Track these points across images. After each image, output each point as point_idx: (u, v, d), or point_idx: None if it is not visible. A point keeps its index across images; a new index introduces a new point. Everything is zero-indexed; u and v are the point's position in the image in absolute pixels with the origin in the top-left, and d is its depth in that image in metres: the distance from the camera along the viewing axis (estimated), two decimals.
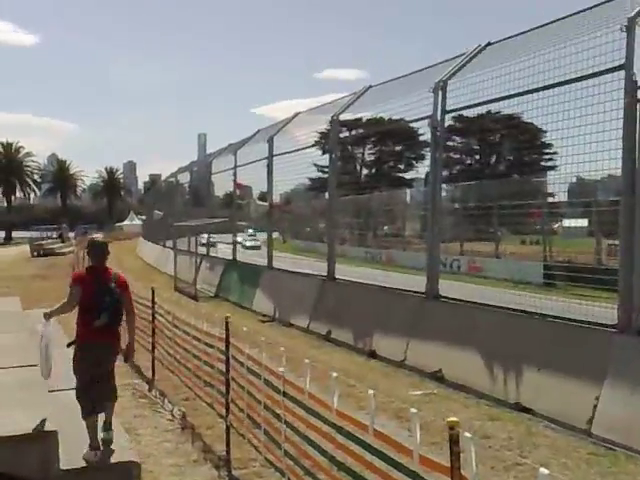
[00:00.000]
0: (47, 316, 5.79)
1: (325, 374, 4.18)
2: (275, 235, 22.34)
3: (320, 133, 16.15)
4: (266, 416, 5.00)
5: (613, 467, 5.88)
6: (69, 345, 5.99)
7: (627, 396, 6.51)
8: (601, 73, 7.38)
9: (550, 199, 17.61)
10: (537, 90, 8.45)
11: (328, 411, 4.00)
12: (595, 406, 6.74)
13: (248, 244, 27.53)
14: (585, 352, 7.19)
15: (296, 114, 16.94)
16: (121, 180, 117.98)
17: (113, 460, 5.42)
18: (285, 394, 4.63)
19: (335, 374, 3.92)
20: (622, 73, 7.03)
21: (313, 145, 16.03)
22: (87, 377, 5.77)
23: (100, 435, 5.75)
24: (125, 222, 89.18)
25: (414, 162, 53.13)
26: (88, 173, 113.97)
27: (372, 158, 57.79)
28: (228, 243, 22.53)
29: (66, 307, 6.00)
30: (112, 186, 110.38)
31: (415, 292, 10.70)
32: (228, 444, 5.76)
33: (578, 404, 6.91)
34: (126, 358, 6.37)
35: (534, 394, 7.54)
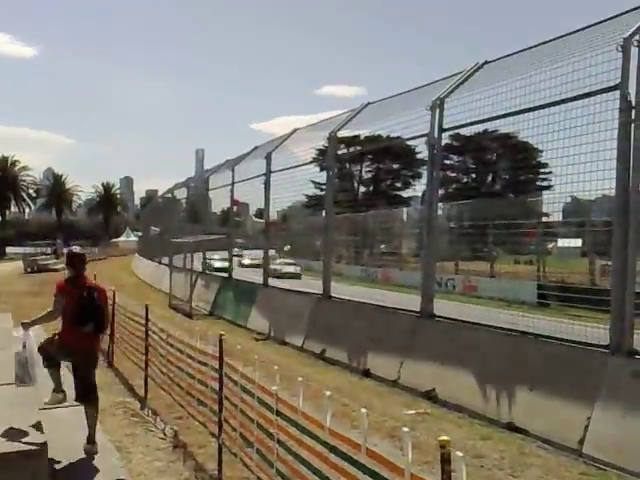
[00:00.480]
0: (26, 326, 6.08)
1: (319, 393, 4.17)
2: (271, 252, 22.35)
3: (318, 150, 16.21)
4: (259, 435, 4.98)
5: None
6: (54, 335, 6.57)
7: (618, 417, 6.51)
8: (596, 93, 7.43)
9: (545, 219, 17.66)
10: (533, 109, 8.50)
11: (321, 430, 3.99)
12: (587, 426, 6.74)
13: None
14: (577, 372, 7.20)
15: (294, 130, 16.99)
16: (118, 196, 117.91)
17: (103, 478, 5.39)
18: (278, 413, 4.61)
19: (328, 393, 3.91)
20: (617, 93, 7.08)
21: (311, 162, 16.06)
22: (53, 352, 6.42)
23: (83, 447, 6.17)
24: (121, 238, 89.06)
25: (411, 180, 53.43)
26: (84, 188, 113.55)
27: (369, 176, 58.03)
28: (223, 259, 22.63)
29: (51, 315, 6.40)
30: (108, 201, 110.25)
31: (410, 311, 10.69)
32: (220, 463, 5.71)
33: (570, 424, 6.91)
34: None
35: (526, 414, 7.54)
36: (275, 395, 4.62)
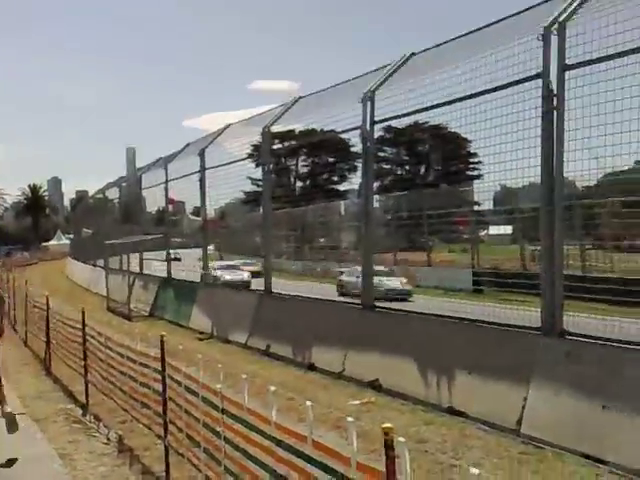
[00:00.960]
0: None
1: (264, 389, 4.21)
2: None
3: (253, 145, 16.15)
4: (205, 434, 4.98)
5: (542, 465, 6.08)
6: None
7: (552, 396, 6.77)
8: (519, 82, 7.60)
9: (476, 207, 18.20)
10: (460, 100, 8.67)
11: (267, 425, 4.03)
12: (523, 407, 6.97)
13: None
14: (512, 355, 7.44)
15: (227, 126, 16.89)
16: (45, 197, 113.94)
17: None
18: (224, 411, 4.62)
19: (273, 388, 3.96)
20: (539, 81, 7.24)
21: (246, 158, 16.01)
22: None
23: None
24: (52, 242, 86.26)
25: (347, 173, 53.85)
26: (11, 192, 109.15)
27: (306, 170, 58.17)
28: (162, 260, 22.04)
29: None
30: (36, 204, 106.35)
31: (351, 303, 10.84)
32: (167, 465, 5.68)
33: (507, 405, 7.14)
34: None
35: (466, 397, 7.76)
36: (220, 393, 4.63)
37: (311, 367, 10.76)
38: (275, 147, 16.52)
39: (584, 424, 6.34)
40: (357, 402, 8.44)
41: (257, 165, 16.13)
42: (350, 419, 3.23)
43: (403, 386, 8.70)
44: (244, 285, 17.74)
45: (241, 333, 13.45)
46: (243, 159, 15.68)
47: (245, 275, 19.69)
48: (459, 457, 6.18)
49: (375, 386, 9.13)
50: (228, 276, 19.78)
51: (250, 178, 19.56)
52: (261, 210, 14.99)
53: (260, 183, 16.15)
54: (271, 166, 14.93)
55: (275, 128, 13.69)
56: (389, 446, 2.90)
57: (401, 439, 2.87)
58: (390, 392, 8.81)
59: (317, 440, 3.48)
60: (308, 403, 3.58)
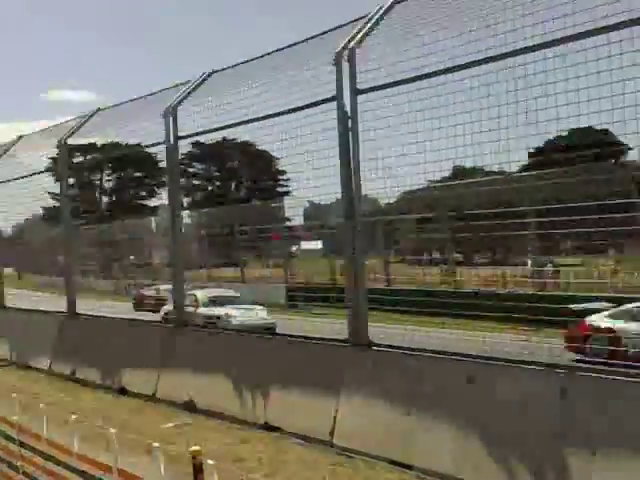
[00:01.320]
0: None
1: (69, 417, 4.01)
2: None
3: (51, 158, 15.20)
4: (1, 469, 4.61)
5: (354, 475, 6.27)
6: None
7: (361, 406, 7.00)
8: (317, 103, 7.81)
9: (288, 223, 18.73)
10: (260, 119, 8.76)
11: (69, 456, 3.83)
12: (335, 418, 7.13)
13: None
14: (323, 367, 7.60)
15: (19, 137, 15.78)
16: None
17: None
18: (22, 444, 4.31)
19: (74, 416, 3.78)
20: (335, 103, 7.47)
21: (43, 171, 15.00)
22: None
23: None
24: None
25: (156, 189, 52.67)
26: None
27: (113, 185, 55.99)
28: None
29: None
30: None
31: (162, 323, 10.59)
32: None
33: (320, 417, 7.26)
34: None
35: (281, 412, 7.81)
36: (17, 425, 4.32)
37: (122, 391, 10.31)
38: (76, 161, 15.66)
39: (391, 432, 6.60)
40: (171, 425, 8.23)
41: (57, 179, 15.21)
42: (156, 444, 3.18)
43: (219, 405, 8.61)
44: (268, 330, 11.61)
45: (43, 358, 12.54)
46: (39, 172, 14.68)
47: (264, 314, 14.15)
48: (274, 473, 6.23)
49: (190, 407, 8.95)
50: (239, 317, 13.77)
51: (50, 193, 18.33)
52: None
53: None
54: (71, 180, 14.13)
55: (75, 140, 13.00)
56: (198, 469, 2.91)
57: (210, 461, 2.88)
58: (206, 412, 8.67)
59: (122, 469, 3.38)
60: (112, 430, 3.47)
